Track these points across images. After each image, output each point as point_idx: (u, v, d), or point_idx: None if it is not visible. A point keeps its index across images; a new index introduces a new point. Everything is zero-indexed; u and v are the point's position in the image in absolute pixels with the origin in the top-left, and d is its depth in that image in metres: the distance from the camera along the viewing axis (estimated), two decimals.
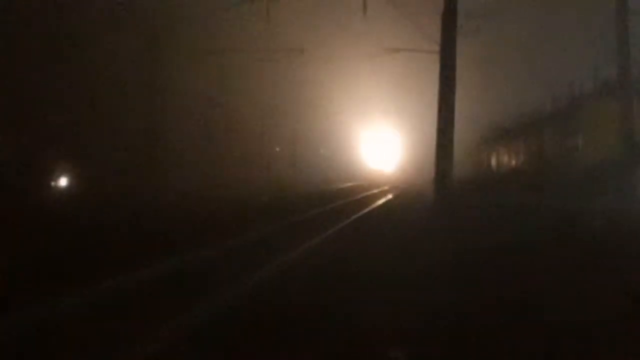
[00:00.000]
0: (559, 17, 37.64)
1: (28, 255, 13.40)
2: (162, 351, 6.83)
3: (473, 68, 29.82)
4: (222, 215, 22.70)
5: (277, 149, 48.90)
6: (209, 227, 18.74)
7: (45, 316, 8.43)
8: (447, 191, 23.98)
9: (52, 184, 30.08)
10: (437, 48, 24.17)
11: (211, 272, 11.42)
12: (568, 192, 28.48)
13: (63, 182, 30.61)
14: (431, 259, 12.35)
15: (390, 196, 35.03)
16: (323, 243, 15.37)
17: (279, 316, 8.77)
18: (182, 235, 16.29)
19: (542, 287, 10.11)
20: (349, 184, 45.40)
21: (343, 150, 58.66)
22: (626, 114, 28.67)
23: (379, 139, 64.76)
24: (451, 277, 10.73)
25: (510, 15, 40.98)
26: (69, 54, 27.39)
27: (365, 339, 7.68)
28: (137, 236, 16.25)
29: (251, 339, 7.27)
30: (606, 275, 11.07)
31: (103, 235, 16.54)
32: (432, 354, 6.99)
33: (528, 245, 14.75)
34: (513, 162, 46.38)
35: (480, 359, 7.06)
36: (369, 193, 37.13)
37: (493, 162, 52.19)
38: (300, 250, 13.86)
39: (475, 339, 7.40)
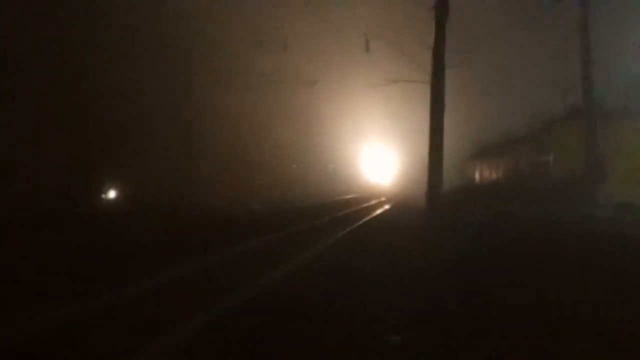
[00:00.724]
0: (534, 50, 38.10)
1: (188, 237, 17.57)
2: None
3: (460, 95, 30.01)
4: (264, 219, 24.41)
5: (294, 166, 48.81)
6: (263, 225, 21.40)
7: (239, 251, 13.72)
8: (437, 201, 24.66)
9: (103, 195, 29.99)
10: (428, 79, 24.82)
11: (282, 247, 14.36)
12: (539, 201, 28.94)
13: (111, 194, 30.54)
14: (422, 251, 14.25)
15: (388, 206, 35.50)
16: (341, 237, 17.11)
17: (326, 269, 11.63)
18: (249, 230, 18.93)
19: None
20: (354, 195, 45.52)
21: (347, 166, 58.54)
22: (589, 134, 29.21)
23: (378, 156, 64.57)
24: (435, 261, 12.46)
25: (492, 50, 41.72)
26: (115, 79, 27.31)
27: (371, 284, 10.00)
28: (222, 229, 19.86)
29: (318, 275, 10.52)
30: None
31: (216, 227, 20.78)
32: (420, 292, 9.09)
33: (499, 242, 15.86)
34: (493, 176, 46.75)
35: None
36: (370, 203, 37.60)
37: (477, 175, 52.45)
38: (330, 241, 15.77)
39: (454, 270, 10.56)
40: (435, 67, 24.45)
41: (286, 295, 9.34)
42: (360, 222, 22.84)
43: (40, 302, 8.44)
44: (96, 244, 16.03)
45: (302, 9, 35.44)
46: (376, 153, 63.33)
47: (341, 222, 23.31)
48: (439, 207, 24.71)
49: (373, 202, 40.34)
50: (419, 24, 26.69)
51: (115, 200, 30.03)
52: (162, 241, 17.12)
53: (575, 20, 30.04)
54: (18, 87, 24.23)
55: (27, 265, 12.40)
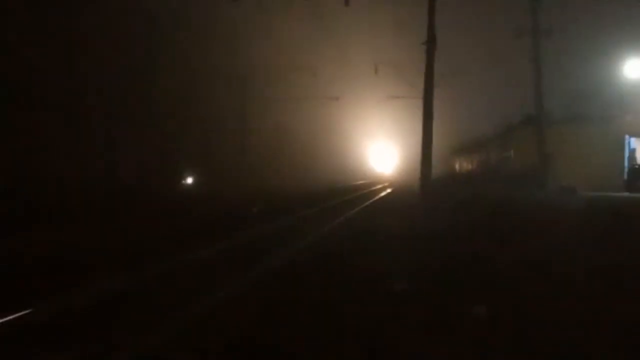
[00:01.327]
0: (500, 72, 39.36)
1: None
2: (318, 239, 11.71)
3: (444, 105, 30.68)
4: (305, 196, 25.54)
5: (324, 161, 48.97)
6: (309, 199, 23.50)
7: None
8: (428, 185, 26.34)
9: (182, 181, 31.21)
10: (421, 95, 26.53)
11: (323, 216, 16.57)
12: (503, 185, 31.10)
13: (189, 180, 31.66)
14: (416, 217, 16.84)
15: (390, 189, 37.74)
16: (361, 209, 19.98)
17: (348, 231, 13.35)
18: (293, 204, 20.45)
19: (481, 222, 14.63)
20: (364, 182, 46.84)
21: (359, 159, 59.20)
22: (540, 136, 31.15)
23: (382, 151, 65.08)
24: (425, 222, 15.02)
25: (469, 71, 43.05)
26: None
27: (385, 230, 12.61)
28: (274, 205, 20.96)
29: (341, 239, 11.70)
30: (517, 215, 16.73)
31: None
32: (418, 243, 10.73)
33: (473, 210, 18.93)
34: (470, 167, 48.45)
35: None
36: (377, 187, 39.61)
37: (457, 166, 53.61)
38: (355, 210, 18.87)
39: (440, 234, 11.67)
40: (426, 86, 26.04)
41: (338, 234, 12.76)
42: (373, 199, 25.30)
43: (193, 246, 10.12)
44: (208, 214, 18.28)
45: (326, 41, 36.82)
46: (381, 149, 64.25)
47: (361, 198, 26.32)
48: (429, 188, 26.09)
49: (379, 186, 42.08)
50: (415, 53, 27.42)
51: (192, 185, 31.09)
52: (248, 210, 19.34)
53: (529, 52, 31.42)
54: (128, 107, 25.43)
55: (159, 226, 14.37)
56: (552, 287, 7.06)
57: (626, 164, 30.98)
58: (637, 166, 27.48)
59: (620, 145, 33.42)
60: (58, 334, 5.17)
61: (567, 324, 5.38)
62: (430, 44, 25.68)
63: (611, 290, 6.82)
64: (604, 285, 7.02)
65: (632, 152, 32.84)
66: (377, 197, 25.88)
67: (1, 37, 21.03)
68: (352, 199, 25.10)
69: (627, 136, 33.86)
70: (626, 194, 25.20)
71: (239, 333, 5.07)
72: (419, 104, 27.31)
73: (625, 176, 26.65)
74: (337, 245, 10.87)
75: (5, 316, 5.39)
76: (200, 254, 9.16)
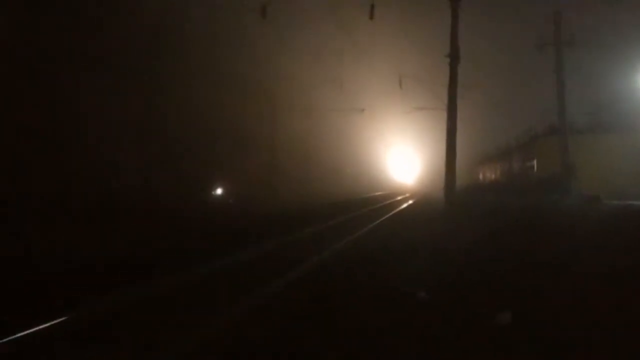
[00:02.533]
0: (522, 82, 39.41)
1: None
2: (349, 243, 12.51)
3: (468, 117, 30.80)
4: (329, 208, 25.68)
5: (348, 170, 49.22)
6: (336, 208, 23.86)
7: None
8: (453, 194, 25.94)
9: (212, 192, 31.26)
10: (445, 106, 26.25)
11: (354, 222, 17.15)
12: (527, 194, 30.63)
13: (219, 191, 31.74)
14: (446, 229, 16.13)
15: (413, 200, 36.71)
16: (386, 219, 19.88)
17: (380, 234, 14.26)
18: (320, 214, 20.97)
19: (514, 228, 15.12)
20: (389, 192, 46.24)
21: (382, 170, 58.68)
22: (563, 146, 30.80)
23: (404, 162, 64.02)
24: (456, 234, 14.48)
25: (492, 83, 42.89)
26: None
27: (411, 248, 11.69)
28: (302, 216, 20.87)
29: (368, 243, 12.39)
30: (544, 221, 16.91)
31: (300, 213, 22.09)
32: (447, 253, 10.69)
33: (497, 217, 18.98)
34: (493, 176, 48.07)
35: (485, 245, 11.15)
36: (400, 198, 39.09)
37: (481, 176, 53.40)
38: (378, 221, 18.59)
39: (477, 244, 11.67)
40: (450, 98, 25.79)
41: (366, 241, 13.12)
42: (397, 210, 25.10)
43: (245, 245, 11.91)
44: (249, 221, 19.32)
45: (353, 54, 37.05)
46: (403, 159, 63.35)
47: (384, 208, 26.24)
48: (454, 198, 25.73)
49: (399, 197, 40.98)
50: (439, 65, 27.24)
51: (221, 196, 31.21)
52: (278, 219, 19.96)
53: (555, 62, 30.95)
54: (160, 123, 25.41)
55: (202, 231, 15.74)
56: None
57: None
58: None
59: None
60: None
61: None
62: (454, 56, 25.65)
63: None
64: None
65: None
66: (406, 205, 25.45)
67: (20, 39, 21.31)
68: (380, 207, 25.60)
69: None
70: None
71: None
72: (442, 115, 27.02)
73: None
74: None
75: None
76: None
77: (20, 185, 18.97)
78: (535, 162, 36.76)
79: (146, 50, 23.92)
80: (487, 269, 9.00)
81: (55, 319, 5.99)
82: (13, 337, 5.59)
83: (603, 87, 37.29)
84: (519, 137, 39.79)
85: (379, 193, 43.87)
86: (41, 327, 5.78)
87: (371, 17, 25.78)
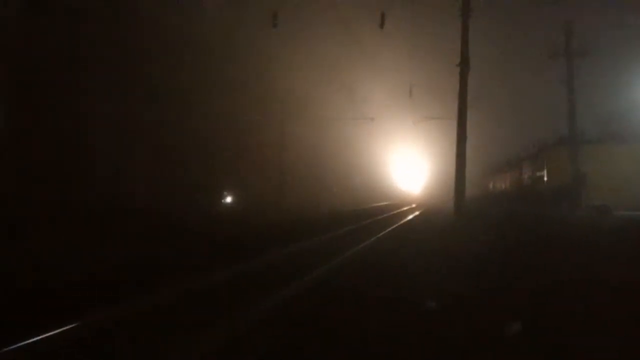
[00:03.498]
0: (533, 93, 39.39)
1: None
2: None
3: (478, 127, 30.15)
4: (338, 217, 25.85)
5: (357, 180, 48.83)
6: (346, 219, 23.26)
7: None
8: (463, 204, 25.75)
9: (222, 201, 31.16)
10: (454, 116, 26.14)
11: (359, 233, 16.68)
12: (537, 204, 31.38)
13: (228, 199, 31.66)
14: (456, 239, 16.12)
15: (422, 210, 36.47)
16: (394, 229, 19.47)
17: (391, 242, 14.44)
18: (327, 223, 21.02)
19: (520, 237, 15.30)
20: (391, 203, 45.77)
21: (388, 178, 58.30)
22: (573, 156, 30.98)
23: (411, 171, 63.17)
24: (465, 245, 14.27)
25: (502, 93, 42.87)
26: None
27: (420, 253, 12.13)
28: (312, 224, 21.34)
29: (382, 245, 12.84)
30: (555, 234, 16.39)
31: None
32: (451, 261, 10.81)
33: (510, 229, 18.77)
34: (503, 186, 48.13)
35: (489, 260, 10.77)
36: (407, 208, 38.70)
37: (491, 186, 53.67)
38: (387, 230, 18.23)
39: (482, 254, 11.48)
40: (460, 108, 25.50)
41: (377, 249, 13.13)
42: (400, 222, 24.51)
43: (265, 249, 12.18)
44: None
45: (363, 64, 37.27)
46: (410, 168, 62.65)
47: (393, 218, 26.12)
48: (464, 208, 25.60)
49: (405, 208, 40.64)
50: (449, 75, 26.99)
51: (230, 204, 31.27)
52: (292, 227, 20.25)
53: (566, 73, 31.13)
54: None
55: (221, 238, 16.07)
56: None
57: None
58: None
59: None
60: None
61: None
62: (464, 65, 25.47)
63: None
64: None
65: None
66: (413, 215, 25.42)
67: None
68: (383, 219, 25.22)
69: None
70: None
71: None
72: (451, 124, 27.15)
73: None
74: None
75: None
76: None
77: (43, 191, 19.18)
78: (545, 172, 36.81)
79: (161, 61, 24.29)
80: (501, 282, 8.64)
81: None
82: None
83: (614, 97, 37.64)
84: (529, 147, 40.09)
85: (384, 203, 43.94)
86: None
87: (382, 26, 25.97)
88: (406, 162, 60.64)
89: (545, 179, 36.53)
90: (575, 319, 6.27)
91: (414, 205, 44.94)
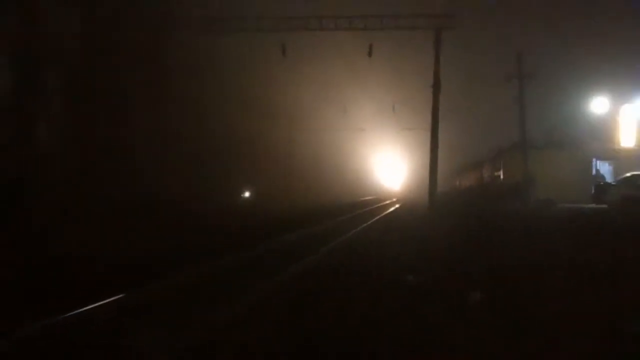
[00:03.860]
0: (492, 108, 40.55)
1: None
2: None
3: (448, 135, 30.67)
4: (336, 208, 25.84)
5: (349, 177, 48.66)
6: (337, 211, 23.66)
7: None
8: (435, 198, 27.82)
9: (242, 195, 31.92)
10: (429, 127, 27.94)
11: (351, 222, 17.51)
12: (495, 199, 32.19)
13: (246, 194, 32.32)
14: (428, 226, 17.37)
15: (401, 203, 37.30)
16: (379, 220, 20.21)
17: (376, 231, 15.10)
18: (337, 211, 22.04)
19: (487, 231, 15.49)
20: (377, 197, 45.59)
21: (373, 177, 57.50)
22: (524, 160, 32.01)
23: (393, 171, 62.22)
24: (435, 230, 15.79)
25: (469, 107, 44.17)
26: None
27: (399, 239, 12.81)
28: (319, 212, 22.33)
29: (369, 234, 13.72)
30: (503, 222, 18.14)
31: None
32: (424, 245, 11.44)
33: (472, 217, 20.41)
34: (467, 184, 47.53)
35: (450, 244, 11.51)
36: (389, 202, 39.03)
37: (457, 183, 52.56)
38: (372, 221, 18.83)
39: (449, 239, 12.69)
40: (433, 120, 27.55)
41: (361, 237, 13.57)
42: (388, 210, 25.53)
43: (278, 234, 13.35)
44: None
45: (355, 84, 38.06)
46: (392, 169, 61.83)
47: (377, 209, 26.96)
48: (436, 202, 27.46)
49: (388, 201, 40.81)
50: (425, 94, 28.35)
51: (248, 198, 32.04)
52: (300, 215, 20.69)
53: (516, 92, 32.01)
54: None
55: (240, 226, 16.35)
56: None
57: (593, 181, 30.57)
58: (601, 183, 27.64)
59: (589, 167, 34.35)
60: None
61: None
62: (436, 87, 27.22)
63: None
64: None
65: (598, 172, 33.94)
66: (396, 207, 26.68)
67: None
68: (376, 208, 26.38)
69: (594, 159, 34.92)
70: (593, 205, 25.57)
71: None
72: (426, 134, 28.75)
73: (592, 191, 26.54)
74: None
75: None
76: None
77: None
78: (501, 172, 37.98)
79: (197, 81, 25.29)
80: (464, 252, 10.29)
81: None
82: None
83: (556, 111, 38.56)
84: (488, 151, 40.81)
85: (372, 197, 44.49)
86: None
87: (370, 54, 28.08)
88: (389, 164, 60.37)
89: (502, 177, 37.55)
90: (517, 272, 7.76)
91: (394, 199, 45.37)
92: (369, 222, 18.23)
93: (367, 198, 38.52)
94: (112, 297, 6.18)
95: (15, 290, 6.81)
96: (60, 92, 22.00)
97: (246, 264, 9.13)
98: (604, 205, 23.47)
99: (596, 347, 4.38)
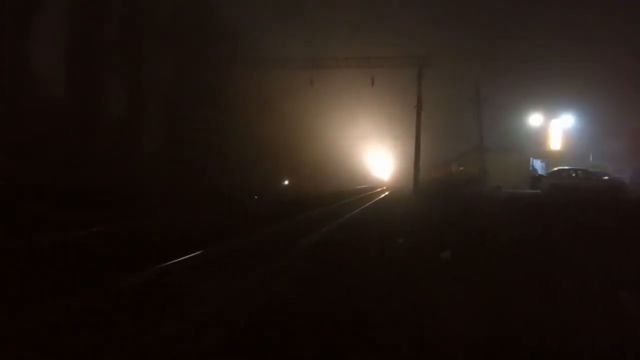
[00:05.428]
0: (458, 122, 41.32)
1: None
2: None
3: (427, 141, 29.03)
4: (335, 194, 23.91)
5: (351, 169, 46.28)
6: (337, 196, 21.06)
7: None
8: (418, 186, 27.53)
9: (283, 183, 31.67)
10: (413, 135, 27.47)
11: (349, 206, 16.30)
12: (459, 187, 31.32)
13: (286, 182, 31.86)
14: (413, 207, 16.94)
15: (390, 191, 35.66)
16: (372, 204, 18.65)
17: (373, 209, 15.11)
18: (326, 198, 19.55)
19: (455, 204, 16.67)
20: (368, 186, 42.80)
21: (364, 168, 53.35)
22: (480, 158, 33.00)
23: (384, 165, 57.74)
24: (421, 210, 15.41)
25: (443, 121, 44.53)
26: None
27: (392, 213, 13.66)
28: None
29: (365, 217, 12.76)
30: (472, 202, 18.44)
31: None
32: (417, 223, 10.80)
33: (449, 199, 20.14)
34: (440, 175, 43.80)
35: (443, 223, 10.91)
36: (378, 190, 36.66)
37: (433, 175, 51.75)
38: (366, 205, 17.21)
39: (437, 220, 11.90)
40: (417, 131, 27.30)
41: (359, 218, 12.51)
42: (381, 196, 24.82)
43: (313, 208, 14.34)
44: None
45: (360, 105, 38.85)
46: (382, 163, 57.85)
47: (371, 195, 26.25)
48: (419, 189, 27.22)
49: (378, 190, 38.20)
50: (410, 112, 27.92)
51: (287, 185, 31.70)
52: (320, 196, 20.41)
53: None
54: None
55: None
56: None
57: (530, 174, 30.33)
58: (536, 175, 27.18)
59: (528, 163, 34.38)
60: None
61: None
62: (418, 107, 27.21)
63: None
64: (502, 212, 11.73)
65: (533, 167, 33.98)
66: (379, 197, 24.84)
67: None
68: (362, 197, 24.75)
69: (531, 158, 35.12)
70: (530, 190, 25.27)
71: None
72: (411, 140, 28.51)
73: (530, 181, 26.43)
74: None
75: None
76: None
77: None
78: (464, 166, 38.25)
79: (250, 104, 25.41)
80: (440, 218, 11.40)
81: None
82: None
83: (504, 124, 38.72)
84: (455, 152, 41.00)
85: (366, 186, 42.74)
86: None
87: (372, 84, 28.55)
88: (382, 161, 57.73)
89: (464, 170, 37.60)
90: (484, 234, 8.43)
91: (385, 188, 44.02)
92: (373, 201, 19.21)
93: (363, 186, 37.52)
94: (227, 240, 7.49)
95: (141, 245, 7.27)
96: (160, 111, 22.22)
97: (313, 217, 11.16)
98: (538, 191, 23.50)
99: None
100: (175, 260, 5.65)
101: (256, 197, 20.08)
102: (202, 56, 22.76)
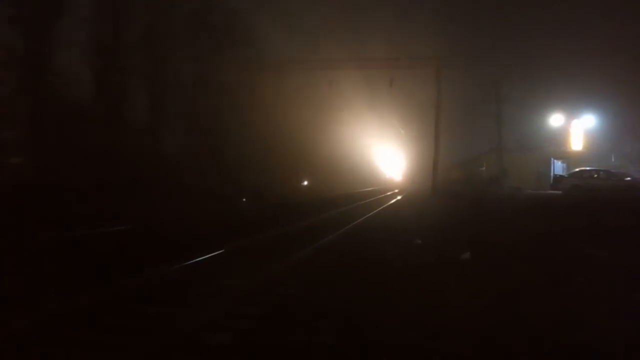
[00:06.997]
0: (480, 120, 40.16)
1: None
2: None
3: (445, 141, 28.57)
4: (353, 196, 25.11)
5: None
6: (356, 198, 22.79)
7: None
8: (437, 186, 27.00)
9: (301, 184, 31.66)
10: (432, 135, 26.87)
11: (367, 207, 16.77)
12: (479, 187, 31.17)
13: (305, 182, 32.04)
14: (434, 209, 16.48)
15: (406, 193, 34.81)
16: (388, 206, 18.92)
17: (391, 210, 15.33)
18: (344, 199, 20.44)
19: (476, 205, 16.52)
20: (383, 187, 42.51)
21: (372, 167, 51.24)
22: (500, 158, 32.22)
23: (396, 162, 56.14)
24: (440, 211, 15.05)
25: (461, 121, 43.89)
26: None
27: (405, 222, 11.91)
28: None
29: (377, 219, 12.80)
30: (493, 203, 18.41)
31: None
32: (434, 224, 10.58)
33: (468, 200, 20.15)
34: (459, 175, 44.82)
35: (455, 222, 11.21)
36: (391, 192, 36.60)
37: (453, 176, 53.27)
38: (380, 209, 16.92)
39: (450, 219, 12.18)
40: (435, 131, 26.78)
41: (377, 220, 12.59)
42: (402, 196, 25.57)
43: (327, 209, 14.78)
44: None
45: (381, 106, 36.53)
46: (393, 159, 55.76)
47: (387, 197, 26.41)
48: (438, 190, 26.66)
49: (389, 193, 36.68)
50: (429, 112, 27.62)
51: (306, 186, 31.71)
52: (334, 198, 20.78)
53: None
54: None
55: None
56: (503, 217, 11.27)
57: (551, 174, 30.78)
58: (558, 176, 26.72)
59: (548, 163, 34.01)
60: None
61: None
62: (438, 107, 26.89)
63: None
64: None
65: (554, 167, 33.76)
66: (395, 200, 24.78)
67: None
68: (375, 200, 25.13)
69: (552, 158, 34.67)
70: (550, 191, 25.00)
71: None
72: (429, 140, 28.34)
73: (551, 181, 26.26)
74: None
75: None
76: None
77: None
78: (484, 167, 37.57)
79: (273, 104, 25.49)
80: (461, 218, 11.68)
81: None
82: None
83: (523, 124, 38.18)
84: (475, 152, 40.66)
85: (376, 188, 40.80)
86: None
87: (391, 85, 28.41)
88: (397, 161, 56.39)
89: (484, 171, 37.12)
90: (500, 229, 9.12)
91: (396, 191, 40.22)
92: (390, 202, 19.14)
93: (371, 189, 36.76)
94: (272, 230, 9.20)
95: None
96: (177, 115, 22.30)
97: (334, 217, 12.18)
98: (559, 192, 23.16)
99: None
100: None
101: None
102: (223, 58, 22.78)
